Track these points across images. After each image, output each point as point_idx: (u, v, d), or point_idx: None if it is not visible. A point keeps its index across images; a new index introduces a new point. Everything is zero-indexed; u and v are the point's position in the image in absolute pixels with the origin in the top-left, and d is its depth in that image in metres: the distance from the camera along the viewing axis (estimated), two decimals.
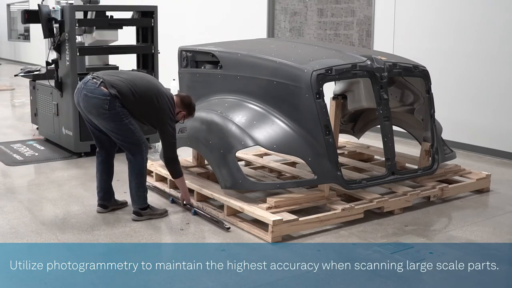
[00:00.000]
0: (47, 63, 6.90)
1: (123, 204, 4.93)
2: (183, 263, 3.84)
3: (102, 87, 4.37)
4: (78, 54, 6.66)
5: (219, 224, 4.51)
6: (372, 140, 7.49)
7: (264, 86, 4.95)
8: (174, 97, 4.69)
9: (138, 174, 4.61)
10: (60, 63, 6.81)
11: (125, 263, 3.83)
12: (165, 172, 5.39)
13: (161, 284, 3.55)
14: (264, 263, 3.85)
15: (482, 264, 3.89)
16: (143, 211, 4.65)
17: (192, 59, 5.68)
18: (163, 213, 4.74)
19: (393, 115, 5.36)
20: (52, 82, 6.93)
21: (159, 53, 7.24)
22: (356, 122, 6.41)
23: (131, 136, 4.50)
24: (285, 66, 4.81)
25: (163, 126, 4.54)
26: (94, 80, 4.43)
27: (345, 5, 8.92)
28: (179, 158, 5.98)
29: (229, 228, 4.45)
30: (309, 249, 4.10)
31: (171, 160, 4.63)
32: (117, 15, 7.81)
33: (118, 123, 4.43)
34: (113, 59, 8.78)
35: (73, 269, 3.75)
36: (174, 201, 5.09)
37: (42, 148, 7.26)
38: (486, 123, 7.02)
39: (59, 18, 6.57)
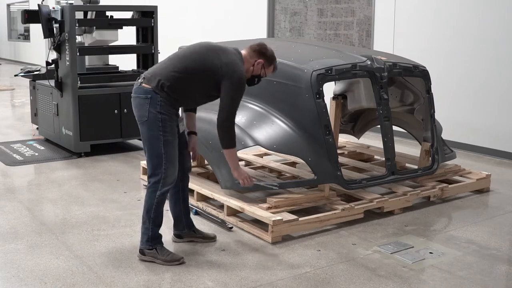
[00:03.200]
0: (47, 63, 6.90)
1: (209, 239, 4.21)
2: (183, 263, 3.84)
3: (143, 85, 3.73)
4: (78, 54, 6.66)
5: (222, 224, 4.51)
6: (372, 140, 7.50)
7: (264, 86, 4.94)
8: (243, 51, 3.87)
9: (146, 207, 3.85)
10: (60, 63, 6.81)
11: (125, 263, 3.83)
12: None
13: (161, 284, 3.55)
14: (264, 263, 3.85)
15: (482, 264, 3.90)
16: (147, 251, 3.88)
17: None
18: (174, 261, 3.82)
19: (393, 115, 5.37)
20: (52, 82, 6.94)
21: (159, 53, 7.25)
22: (356, 122, 6.42)
23: (156, 159, 3.74)
24: (285, 66, 4.81)
25: (224, 82, 3.69)
26: (139, 79, 3.83)
27: (345, 5, 8.92)
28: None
29: (231, 227, 4.45)
30: (309, 249, 4.11)
31: (224, 125, 3.75)
32: (117, 15, 7.82)
33: (154, 134, 3.71)
34: (113, 59, 8.80)
35: (73, 269, 3.75)
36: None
37: (42, 148, 7.27)
38: (486, 123, 7.03)
39: (59, 18, 6.58)
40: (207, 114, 5.09)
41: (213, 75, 3.70)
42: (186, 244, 4.16)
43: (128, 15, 7.88)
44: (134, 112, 3.81)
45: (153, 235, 3.87)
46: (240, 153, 5.84)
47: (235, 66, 3.70)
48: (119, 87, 6.94)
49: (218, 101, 5.30)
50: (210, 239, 4.21)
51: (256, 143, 4.66)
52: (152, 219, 3.85)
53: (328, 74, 4.69)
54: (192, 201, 4.98)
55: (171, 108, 3.75)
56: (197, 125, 5.11)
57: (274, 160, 6.02)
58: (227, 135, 3.79)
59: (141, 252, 3.89)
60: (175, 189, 4.09)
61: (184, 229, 4.20)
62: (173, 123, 3.79)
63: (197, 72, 3.71)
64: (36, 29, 19.43)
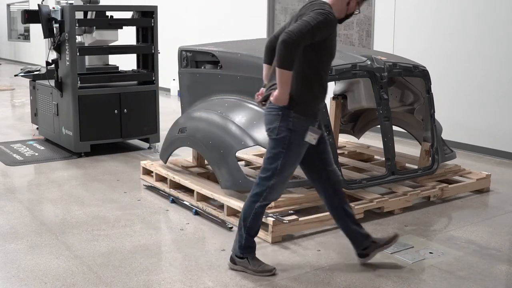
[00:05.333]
0: (47, 63, 6.90)
1: (388, 242, 3.84)
2: (183, 263, 3.85)
3: None
4: (78, 54, 6.66)
5: (222, 224, 4.51)
6: (372, 140, 7.50)
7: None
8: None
9: (243, 215, 3.69)
10: (60, 63, 6.81)
11: (125, 263, 3.83)
12: (165, 172, 5.39)
13: (161, 284, 3.55)
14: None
15: (482, 264, 3.90)
16: (239, 259, 3.74)
17: (192, 59, 5.68)
18: (265, 272, 3.68)
19: (393, 115, 5.37)
20: (52, 82, 6.94)
21: (159, 53, 7.25)
22: (356, 122, 6.41)
23: (269, 171, 3.55)
24: None
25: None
26: None
27: None
28: (180, 158, 6.03)
29: (231, 227, 4.45)
30: (309, 249, 4.11)
31: (287, 38, 3.25)
32: (117, 15, 7.82)
33: (277, 150, 3.51)
34: (113, 59, 8.80)
35: (73, 269, 3.75)
36: (174, 201, 5.09)
37: (42, 148, 7.27)
38: (486, 123, 7.03)
39: (59, 18, 6.58)
40: (208, 114, 5.10)
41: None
42: (186, 244, 4.16)
43: (128, 15, 7.88)
44: (265, 128, 3.61)
45: (245, 244, 3.71)
46: (240, 153, 5.84)
47: (318, 5, 3.45)
48: (119, 87, 6.94)
49: (218, 101, 5.32)
50: (393, 239, 3.85)
51: (256, 143, 4.66)
52: (247, 228, 3.67)
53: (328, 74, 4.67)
54: (192, 201, 4.99)
55: (306, 120, 3.51)
56: (197, 125, 5.13)
57: None
58: (287, 52, 3.27)
59: (232, 260, 3.76)
60: (337, 211, 3.81)
61: (363, 245, 3.83)
62: (302, 142, 3.53)
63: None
64: (36, 29, 19.43)
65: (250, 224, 3.67)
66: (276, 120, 3.48)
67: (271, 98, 3.42)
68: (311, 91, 3.50)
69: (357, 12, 3.66)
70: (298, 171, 5.28)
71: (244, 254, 3.72)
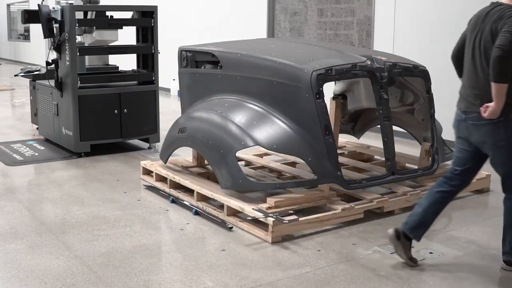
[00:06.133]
0: (47, 63, 6.90)
1: (410, 261, 3.86)
2: (183, 263, 3.85)
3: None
4: (78, 54, 6.66)
5: (222, 224, 4.51)
6: (372, 140, 7.49)
7: (264, 86, 4.95)
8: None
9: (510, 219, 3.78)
10: (60, 63, 6.82)
11: (125, 263, 3.84)
12: (165, 172, 5.39)
13: (161, 284, 3.55)
14: (264, 263, 3.85)
15: (482, 264, 3.90)
16: None
17: (192, 59, 5.68)
18: None
19: (393, 115, 5.37)
20: (52, 82, 6.94)
21: (159, 53, 7.25)
22: (356, 122, 6.41)
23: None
24: (285, 66, 4.81)
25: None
26: (471, 106, 3.73)
27: (345, 5, 8.92)
28: (180, 158, 6.03)
29: (231, 227, 4.45)
30: (309, 249, 4.11)
31: (501, 51, 3.46)
32: (117, 15, 7.82)
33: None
34: (113, 59, 8.80)
35: (73, 269, 3.75)
36: (174, 201, 5.09)
37: (42, 148, 7.27)
38: None
39: (59, 18, 6.58)
40: (208, 114, 5.10)
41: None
42: (186, 244, 4.16)
43: (128, 15, 7.88)
44: (480, 139, 3.68)
45: None
46: (240, 153, 5.84)
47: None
48: (119, 87, 6.94)
49: (218, 101, 5.32)
50: (412, 262, 3.89)
51: (256, 143, 4.66)
52: None
53: (328, 74, 4.68)
54: (192, 201, 4.99)
55: None
56: (197, 125, 5.14)
57: (274, 160, 6.02)
58: (504, 66, 3.46)
59: (508, 263, 3.80)
60: (442, 199, 3.95)
61: (415, 233, 3.86)
62: None
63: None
64: (36, 29, 19.43)
65: None
66: (500, 128, 3.57)
67: (485, 115, 3.54)
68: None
69: None
70: (299, 171, 5.30)
71: None
